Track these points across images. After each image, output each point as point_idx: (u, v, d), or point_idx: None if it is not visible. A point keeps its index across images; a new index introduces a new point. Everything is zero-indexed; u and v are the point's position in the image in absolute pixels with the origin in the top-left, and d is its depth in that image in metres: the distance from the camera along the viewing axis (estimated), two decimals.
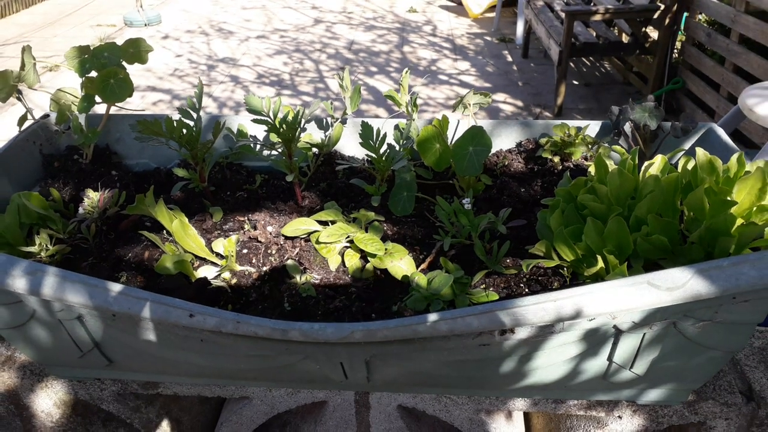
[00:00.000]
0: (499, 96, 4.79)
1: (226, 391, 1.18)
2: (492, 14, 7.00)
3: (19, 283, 0.89)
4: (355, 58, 5.75)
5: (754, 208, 0.89)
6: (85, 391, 1.21)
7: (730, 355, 0.99)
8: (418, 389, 1.13)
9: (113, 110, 1.36)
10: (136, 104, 4.74)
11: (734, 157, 0.94)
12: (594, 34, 4.71)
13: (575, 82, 5.02)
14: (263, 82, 5.19)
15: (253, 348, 0.94)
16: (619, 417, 1.14)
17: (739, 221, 0.89)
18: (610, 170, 0.97)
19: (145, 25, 6.86)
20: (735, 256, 0.83)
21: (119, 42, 1.29)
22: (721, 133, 1.21)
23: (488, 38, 6.30)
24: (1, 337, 1.27)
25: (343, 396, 1.17)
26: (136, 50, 1.31)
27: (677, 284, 0.82)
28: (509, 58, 5.68)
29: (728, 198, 0.88)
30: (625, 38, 4.72)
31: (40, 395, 1.23)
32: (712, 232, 0.88)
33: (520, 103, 4.65)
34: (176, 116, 1.28)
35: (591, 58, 5.46)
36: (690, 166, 0.97)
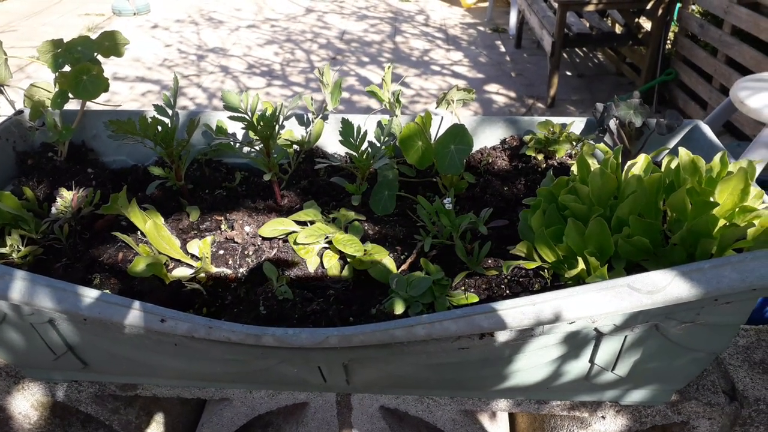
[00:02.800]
0: (492, 87, 4.75)
1: (205, 392, 1.16)
2: (485, 4, 6.94)
3: None
4: (346, 48, 5.70)
5: (737, 209, 0.87)
6: (63, 392, 1.19)
7: (713, 356, 0.98)
8: (399, 391, 1.12)
9: (92, 106, 1.33)
10: (124, 95, 4.69)
11: (717, 157, 0.92)
12: (587, 24, 4.68)
13: (568, 73, 4.99)
14: (254, 72, 5.14)
15: (228, 352, 0.92)
16: (603, 417, 1.13)
17: (722, 222, 0.88)
18: (592, 170, 0.96)
19: (134, 14, 6.77)
20: (716, 259, 0.81)
21: (85, 35, 1.26)
22: (707, 130, 1.19)
23: (481, 28, 6.25)
24: None
25: (325, 397, 1.16)
26: (112, 43, 1.28)
27: (657, 287, 0.80)
28: (502, 49, 5.64)
29: (710, 199, 0.87)
30: (618, 29, 4.69)
31: (16, 397, 1.21)
32: (694, 233, 0.86)
33: (512, 94, 4.63)
34: (152, 113, 1.25)
35: (584, 49, 5.43)
36: (673, 165, 0.95)
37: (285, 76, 5.05)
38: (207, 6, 7.21)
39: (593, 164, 0.99)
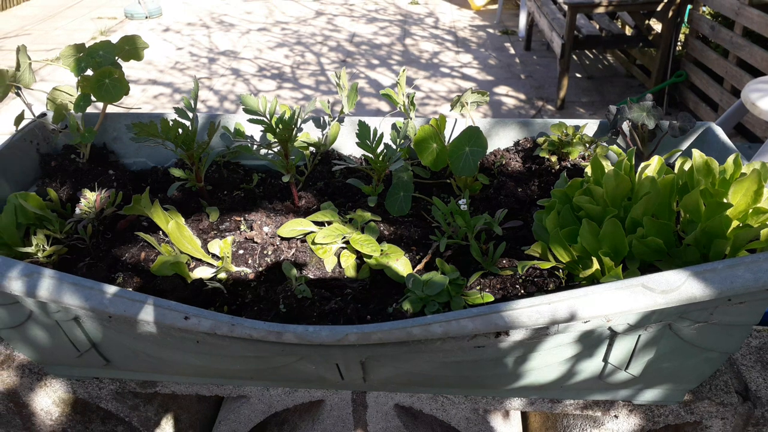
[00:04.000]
0: (502, 89, 4.76)
1: (223, 390, 1.18)
2: (494, 6, 6.95)
3: (15, 285, 0.89)
4: (356, 50, 5.73)
5: (750, 210, 0.88)
6: (84, 389, 1.22)
7: (726, 356, 0.99)
8: (415, 389, 1.13)
9: (111, 108, 1.36)
10: (137, 98, 4.74)
11: (730, 159, 0.93)
12: (597, 26, 4.68)
13: (578, 75, 4.99)
14: (264, 75, 5.18)
15: (249, 349, 0.94)
16: (616, 416, 1.14)
17: (735, 223, 0.89)
18: (606, 171, 0.97)
19: (146, 17, 6.84)
20: (730, 259, 0.83)
21: (120, 35, 1.29)
22: (720, 132, 1.20)
23: (491, 30, 6.27)
24: None
25: (341, 395, 1.18)
26: (132, 47, 1.31)
27: (672, 287, 0.82)
28: (512, 51, 5.65)
29: (724, 200, 0.88)
30: (628, 31, 4.69)
31: (39, 394, 1.24)
32: (708, 234, 0.88)
33: (522, 96, 4.63)
34: (172, 116, 1.28)
35: (594, 51, 5.43)
36: (686, 167, 0.97)
37: (295, 79, 5.09)
38: (218, 9, 7.28)
39: (607, 166, 1.00)
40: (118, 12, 7.11)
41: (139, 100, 4.71)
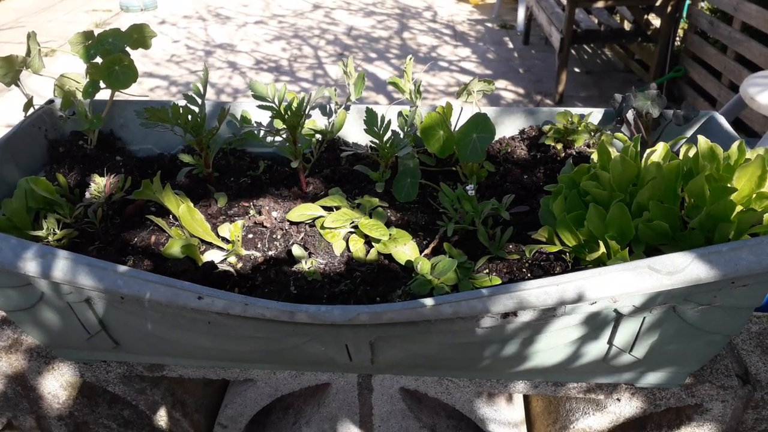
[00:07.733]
0: (500, 83, 4.78)
1: (230, 373, 1.20)
2: (493, 0, 6.96)
3: (30, 266, 0.90)
4: (354, 44, 5.72)
5: (754, 195, 0.90)
6: (92, 373, 1.22)
7: (728, 339, 1.01)
8: (421, 372, 1.15)
9: (117, 96, 1.36)
10: (132, 90, 4.70)
11: (735, 145, 0.95)
12: (596, 21, 4.70)
13: (576, 70, 5.01)
14: (261, 68, 5.17)
15: (260, 330, 0.96)
16: (618, 400, 1.16)
17: (739, 208, 0.90)
18: (612, 157, 0.99)
19: (142, 9, 6.80)
20: (734, 242, 0.84)
21: (115, 27, 1.30)
22: (723, 121, 1.22)
23: (489, 25, 6.27)
24: (8, 320, 1.29)
25: (347, 379, 1.19)
26: (140, 36, 1.32)
27: (677, 269, 0.83)
28: (510, 45, 5.66)
29: (728, 185, 0.90)
30: (627, 25, 4.71)
31: (46, 377, 1.25)
32: (712, 218, 0.89)
33: (521, 91, 4.65)
34: (181, 102, 1.29)
35: (592, 46, 5.45)
36: (691, 153, 0.98)
37: (293, 72, 5.08)
38: (214, 2, 7.25)
39: (613, 152, 1.02)
40: (113, 4, 7.07)
41: (135, 93, 4.69)
